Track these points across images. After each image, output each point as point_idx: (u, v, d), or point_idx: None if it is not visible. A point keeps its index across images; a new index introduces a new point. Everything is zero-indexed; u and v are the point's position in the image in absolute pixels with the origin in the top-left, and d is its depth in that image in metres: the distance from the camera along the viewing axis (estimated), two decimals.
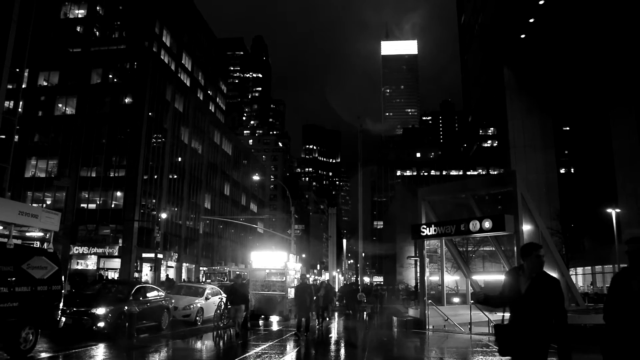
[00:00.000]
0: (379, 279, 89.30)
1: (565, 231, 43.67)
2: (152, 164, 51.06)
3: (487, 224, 15.72)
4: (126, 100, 51.45)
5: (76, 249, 46.84)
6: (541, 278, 4.26)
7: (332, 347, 14.16)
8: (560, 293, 4.24)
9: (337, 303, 28.02)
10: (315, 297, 18.59)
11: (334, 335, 17.42)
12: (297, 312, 14.51)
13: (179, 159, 57.72)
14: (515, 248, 16.01)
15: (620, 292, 4.14)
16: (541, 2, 42.37)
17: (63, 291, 10.57)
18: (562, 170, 60.99)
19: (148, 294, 14.99)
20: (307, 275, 17.23)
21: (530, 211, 16.84)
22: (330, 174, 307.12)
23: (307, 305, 14.24)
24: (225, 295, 19.38)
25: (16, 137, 39.79)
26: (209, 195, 66.62)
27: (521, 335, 4.21)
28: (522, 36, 46.78)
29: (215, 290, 19.50)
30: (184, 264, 57.55)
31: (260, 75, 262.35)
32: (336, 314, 24.93)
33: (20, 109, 41.98)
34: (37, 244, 15.29)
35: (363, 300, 25.23)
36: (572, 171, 63.05)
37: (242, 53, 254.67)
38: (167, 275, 45.49)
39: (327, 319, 20.87)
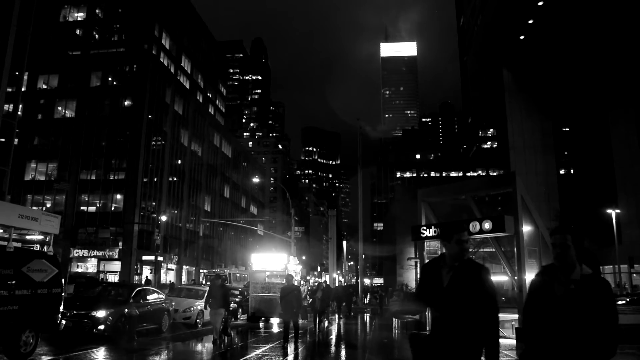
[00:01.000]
0: (379, 281, 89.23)
1: None
2: (152, 166, 51.06)
3: (487, 225, 15.70)
4: (126, 103, 51.48)
5: (76, 252, 46.81)
6: (465, 267, 3.48)
7: (333, 349, 14.14)
8: (491, 284, 3.47)
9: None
10: (311, 300, 18.48)
11: (333, 337, 17.41)
12: (283, 316, 13.18)
13: (179, 162, 57.74)
14: (515, 249, 16.01)
15: (540, 298, 3.32)
16: (540, 4, 42.40)
17: (63, 294, 10.56)
18: (562, 171, 61.03)
19: (148, 297, 14.98)
20: (294, 275, 16.18)
21: (530, 212, 16.82)
22: (330, 175, 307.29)
23: (294, 309, 12.80)
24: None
25: (16, 140, 39.82)
26: (208, 197, 66.62)
27: (446, 342, 3.41)
28: (522, 37, 46.83)
29: None
30: (184, 267, 57.52)
31: (259, 78, 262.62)
32: (336, 315, 24.91)
33: (19, 112, 42.00)
34: (37, 247, 15.28)
35: (357, 301, 25.18)
36: (572, 172, 63.08)
37: (241, 55, 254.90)
38: (147, 277, 45.29)
39: (326, 321, 20.85)
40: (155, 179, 51.76)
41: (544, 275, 3.39)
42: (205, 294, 14.09)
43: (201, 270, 56.23)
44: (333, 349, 14.20)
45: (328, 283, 38.78)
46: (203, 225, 57.21)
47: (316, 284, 25.74)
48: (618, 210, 41.01)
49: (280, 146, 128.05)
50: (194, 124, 62.59)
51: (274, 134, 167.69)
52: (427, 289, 3.64)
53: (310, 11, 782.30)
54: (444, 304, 3.46)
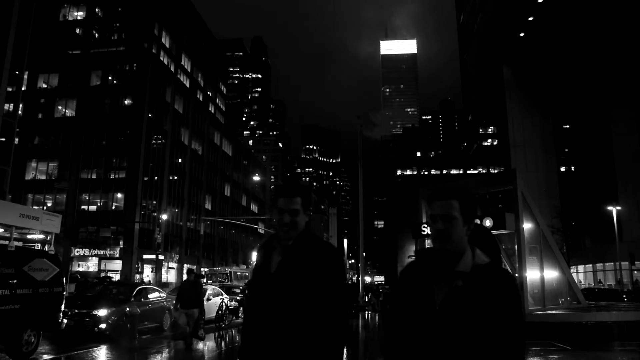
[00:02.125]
0: (380, 278, 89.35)
1: (566, 229, 43.68)
2: (153, 165, 51.09)
3: (487, 223, 15.71)
4: (126, 102, 51.48)
5: (77, 251, 46.87)
6: (301, 245, 2.36)
7: None
8: (340, 274, 2.34)
9: None
10: None
11: None
12: None
13: (179, 160, 57.76)
14: (516, 246, 16.01)
15: (410, 303, 2.05)
16: (540, 1, 42.32)
17: (64, 293, 10.58)
18: (563, 169, 60.94)
19: (149, 295, 15.00)
20: None
21: (531, 209, 16.82)
22: (331, 173, 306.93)
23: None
24: (225, 297, 19.39)
25: (16, 139, 39.88)
26: (209, 196, 66.65)
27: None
28: (522, 35, 46.73)
29: (216, 291, 19.51)
30: (185, 265, 57.54)
31: (259, 76, 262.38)
32: None
33: (20, 112, 42.05)
34: (38, 246, 15.29)
35: (359, 300, 25.23)
36: (573, 169, 62.96)
37: (241, 54, 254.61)
38: (126, 276, 45.12)
39: None
40: (156, 178, 51.78)
41: (416, 267, 2.14)
42: (178, 292, 13.15)
43: (202, 269, 56.28)
44: None
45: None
46: (204, 223, 57.26)
47: None
48: (619, 208, 40.99)
49: (280, 144, 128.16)
50: (194, 122, 62.59)
51: (275, 133, 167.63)
52: (255, 277, 2.51)
53: (311, 9, 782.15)
54: (265, 297, 2.35)
